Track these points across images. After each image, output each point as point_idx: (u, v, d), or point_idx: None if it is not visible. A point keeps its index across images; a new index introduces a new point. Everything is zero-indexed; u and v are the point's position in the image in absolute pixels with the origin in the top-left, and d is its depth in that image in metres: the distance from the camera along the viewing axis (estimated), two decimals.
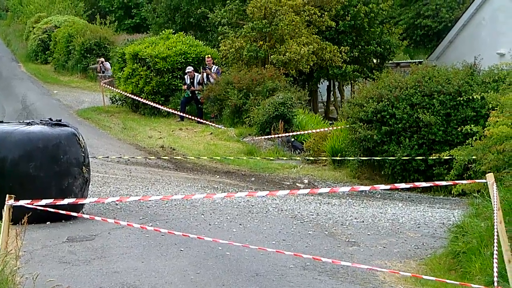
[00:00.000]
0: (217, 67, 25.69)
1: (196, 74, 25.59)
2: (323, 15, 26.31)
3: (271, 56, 25.33)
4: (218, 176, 17.15)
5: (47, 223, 10.95)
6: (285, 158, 19.22)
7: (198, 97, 25.31)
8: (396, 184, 8.92)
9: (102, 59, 36.39)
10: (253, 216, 12.14)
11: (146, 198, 9.12)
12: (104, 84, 30.69)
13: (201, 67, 25.87)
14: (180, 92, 26.20)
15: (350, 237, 10.85)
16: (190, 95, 25.54)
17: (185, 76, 25.70)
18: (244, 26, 26.13)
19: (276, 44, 25.63)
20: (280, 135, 20.47)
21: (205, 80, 25.36)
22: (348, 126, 17.77)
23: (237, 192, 13.67)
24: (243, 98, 23.17)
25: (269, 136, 20.65)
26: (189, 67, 25.74)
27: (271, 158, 19.09)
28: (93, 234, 10.46)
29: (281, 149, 20.16)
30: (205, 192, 14.15)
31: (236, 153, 19.98)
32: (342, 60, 26.36)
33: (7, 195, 7.81)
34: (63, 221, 11.07)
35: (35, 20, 50.77)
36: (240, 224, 11.44)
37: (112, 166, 17.61)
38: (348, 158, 17.48)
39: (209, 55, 25.89)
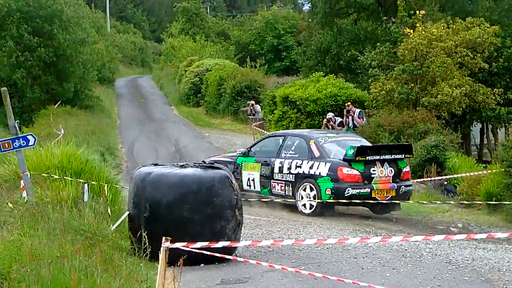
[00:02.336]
0: (359, 110, 25.43)
1: (336, 118, 25.40)
2: (475, 56, 25.62)
3: (423, 99, 24.81)
4: (370, 220, 16.78)
5: (201, 265, 10.95)
6: (438, 201, 18.61)
7: None
8: None
9: (253, 102, 36.82)
10: (407, 260, 11.71)
11: (300, 242, 8.94)
12: (255, 127, 30.99)
13: (344, 111, 25.68)
14: None
15: (508, 283, 10.24)
16: None
17: (323, 121, 25.56)
18: (395, 68, 25.78)
19: (428, 86, 25.11)
20: (432, 178, 19.87)
21: (350, 124, 25.13)
22: (503, 169, 17.03)
23: (391, 236, 13.27)
24: (394, 140, 22.74)
25: (421, 179, 20.10)
26: (329, 113, 25.60)
27: (424, 201, 18.52)
28: (246, 277, 10.36)
29: (434, 192, 19.56)
30: (357, 236, 13.84)
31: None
32: (496, 102, 25.51)
33: (163, 238, 7.85)
34: (216, 263, 11.03)
35: (187, 63, 52.16)
36: (393, 269, 11.05)
37: (265, 208, 17.58)
38: (504, 202, 16.70)
39: (349, 103, 25.61)
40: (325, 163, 16.71)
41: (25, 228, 9.82)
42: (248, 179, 18.28)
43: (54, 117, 32.15)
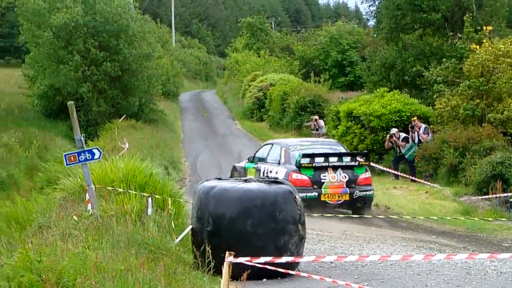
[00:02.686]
0: (425, 126, 25.13)
1: (401, 134, 25.13)
2: None
3: (489, 115, 24.40)
4: (433, 236, 16.55)
5: (264, 280, 10.93)
6: (503, 219, 18.24)
7: (405, 156, 24.86)
8: None
9: (316, 117, 36.73)
10: (471, 278, 11.49)
11: (363, 258, 8.85)
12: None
13: (409, 127, 25.39)
14: (393, 150, 25.81)
15: None
16: (402, 153, 25.09)
17: (387, 137, 25.33)
18: (461, 84, 25.43)
19: (494, 102, 24.70)
20: (498, 195, 19.50)
21: (415, 139, 24.86)
22: None
23: (456, 253, 13.06)
24: (459, 156, 22.42)
25: (487, 196, 19.74)
26: (393, 129, 25.36)
27: (489, 218, 18.18)
28: None
29: (499, 209, 19.18)
30: (421, 252, 13.67)
31: (452, 212, 19.23)
32: None
33: (227, 252, 7.87)
34: (279, 278, 11.00)
35: (251, 78, 52.37)
36: (457, 286, 10.86)
37: (327, 223, 17.50)
38: None
39: (415, 117, 25.36)
40: (284, 169, 18.49)
41: (90, 241, 9.96)
42: None
43: (119, 131, 32.60)
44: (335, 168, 18.24)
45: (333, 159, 18.37)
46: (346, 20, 62.05)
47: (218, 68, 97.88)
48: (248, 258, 8.05)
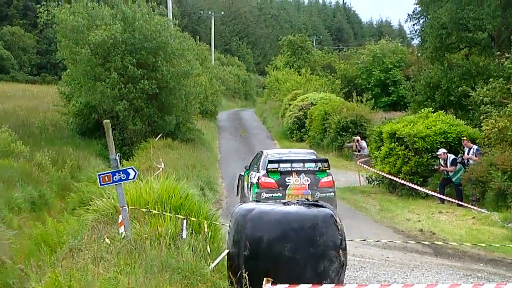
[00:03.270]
0: (477, 147, 24.68)
1: (448, 155, 24.70)
2: None
3: None
4: (481, 264, 16.15)
5: None
6: None
7: (453, 179, 24.46)
8: None
9: (358, 137, 36.50)
10: None
11: (408, 287, 8.57)
12: (360, 163, 30.64)
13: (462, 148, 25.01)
14: (439, 173, 25.41)
15: None
16: (449, 176, 24.69)
17: (438, 157, 24.96)
18: (509, 105, 25.00)
19: None
20: None
21: (465, 161, 24.45)
22: None
23: (506, 283, 12.67)
24: (507, 180, 21.93)
25: None
26: (441, 149, 24.96)
27: None
28: None
29: None
30: (468, 282, 13.33)
31: (501, 239, 18.76)
32: None
33: (265, 279, 7.68)
34: None
35: (292, 97, 52.32)
36: None
37: (369, 249, 17.22)
38: None
39: (465, 137, 24.97)
40: (257, 173, 21.77)
41: (122, 265, 9.80)
42: (244, 188, 23.28)
43: (155, 150, 32.63)
44: (298, 172, 21.24)
45: (297, 165, 21.38)
46: (390, 39, 61.82)
47: (258, 86, 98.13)
48: (287, 286, 7.82)
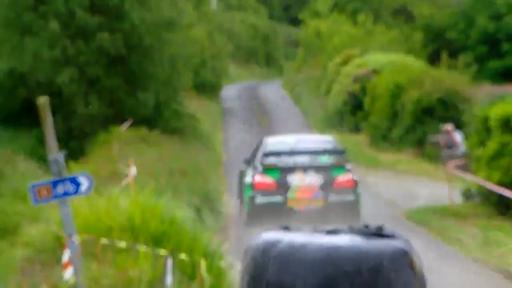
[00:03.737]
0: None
1: None
2: None
3: None
4: None
5: None
6: None
7: None
8: None
9: (450, 127, 36.47)
10: None
11: None
12: (451, 168, 30.66)
13: None
14: None
15: None
16: None
17: None
18: None
19: None
20: None
21: None
22: None
23: None
24: None
25: None
26: None
27: None
28: None
29: None
30: None
31: None
32: None
33: None
34: None
35: (342, 60, 52.25)
36: None
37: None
38: None
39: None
40: (251, 171, 24.53)
41: None
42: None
43: (122, 146, 32.75)
44: (305, 168, 23.37)
45: (303, 158, 23.67)
46: None
47: (287, 44, 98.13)
48: None
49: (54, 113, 33.59)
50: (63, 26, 36.95)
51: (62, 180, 12.09)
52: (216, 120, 51.07)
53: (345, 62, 51.41)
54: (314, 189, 23.06)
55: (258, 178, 23.58)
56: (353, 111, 47.13)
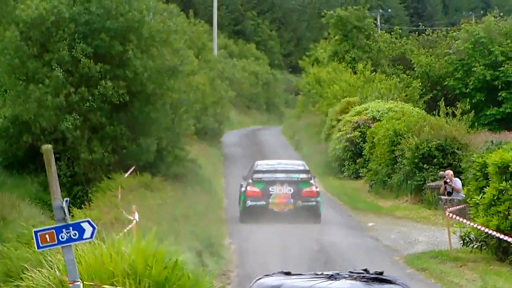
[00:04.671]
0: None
1: None
2: None
3: None
4: None
5: None
6: None
7: None
8: None
9: (449, 173, 36.49)
10: None
11: None
12: (451, 214, 30.66)
13: None
14: None
15: None
16: None
17: None
18: None
19: None
20: None
21: None
22: None
23: None
24: None
25: None
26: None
27: None
28: None
29: None
30: None
31: None
32: None
33: None
34: None
35: (342, 108, 52.38)
36: None
37: None
38: None
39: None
40: (245, 183, 36.08)
41: None
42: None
43: (124, 192, 32.74)
44: (281, 182, 35.66)
45: (280, 175, 36.04)
46: (501, 14, 61.78)
47: (288, 91, 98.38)
48: None
49: (58, 159, 33.56)
50: (67, 73, 36.98)
51: (66, 226, 12.09)
52: (217, 166, 51.16)
53: (345, 109, 51.53)
54: (287, 197, 35.69)
55: (249, 188, 35.87)
56: (353, 158, 47.16)
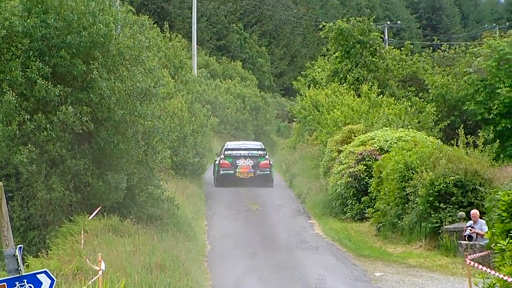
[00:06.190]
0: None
1: None
2: None
3: None
4: None
5: None
6: None
7: None
8: None
9: (476, 213, 36.42)
10: None
11: None
12: (472, 262, 30.64)
13: None
14: None
15: None
16: None
17: None
18: None
19: None
20: None
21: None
22: None
23: None
24: None
25: None
26: None
27: None
28: None
29: None
30: None
31: None
32: None
33: None
34: None
35: (343, 137, 52.49)
36: None
37: None
38: None
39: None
40: (219, 158, 64.72)
41: None
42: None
43: (89, 238, 32.71)
44: (245, 157, 63.24)
45: (244, 152, 63.84)
46: None
47: (280, 117, 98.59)
48: None
49: (10, 199, 33.30)
50: (20, 97, 36.79)
51: (19, 279, 12.04)
52: (198, 206, 51.18)
53: (347, 139, 51.59)
54: (249, 167, 61.82)
55: (222, 161, 62.10)
56: (357, 196, 47.14)
